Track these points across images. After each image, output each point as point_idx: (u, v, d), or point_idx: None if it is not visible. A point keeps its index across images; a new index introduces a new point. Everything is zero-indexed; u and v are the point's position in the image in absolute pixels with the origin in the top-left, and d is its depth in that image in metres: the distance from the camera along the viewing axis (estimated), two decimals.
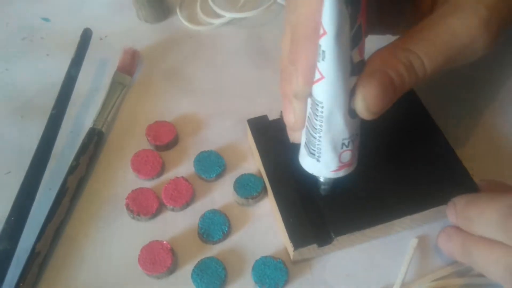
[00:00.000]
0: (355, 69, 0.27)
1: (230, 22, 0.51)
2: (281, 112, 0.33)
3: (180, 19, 0.51)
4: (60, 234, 0.37)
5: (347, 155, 0.31)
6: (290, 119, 0.32)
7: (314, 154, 0.31)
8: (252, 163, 0.40)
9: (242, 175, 0.39)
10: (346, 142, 0.30)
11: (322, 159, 0.31)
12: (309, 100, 0.29)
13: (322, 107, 0.28)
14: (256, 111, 0.41)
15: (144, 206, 0.38)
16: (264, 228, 0.37)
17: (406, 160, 0.37)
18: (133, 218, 0.38)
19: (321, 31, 0.25)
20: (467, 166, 0.37)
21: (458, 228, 0.33)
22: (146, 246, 0.35)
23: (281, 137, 0.39)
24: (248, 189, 0.38)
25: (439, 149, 0.38)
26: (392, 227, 0.35)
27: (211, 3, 0.51)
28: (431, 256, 0.35)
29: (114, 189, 0.39)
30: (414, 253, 0.35)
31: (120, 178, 0.40)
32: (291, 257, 0.35)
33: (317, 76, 0.27)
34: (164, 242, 0.36)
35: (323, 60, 0.26)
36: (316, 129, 0.29)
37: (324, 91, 0.27)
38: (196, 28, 0.51)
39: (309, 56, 0.27)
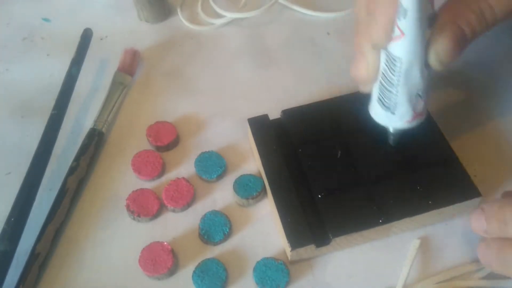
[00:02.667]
0: (430, 22, 0.28)
1: (231, 22, 0.51)
2: (351, 67, 0.33)
3: (181, 19, 0.51)
4: (60, 235, 0.37)
5: (420, 105, 0.32)
6: (362, 73, 0.32)
7: (389, 108, 0.32)
8: (253, 163, 0.40)
9: (241, 175, 0.39)
10: (420, 92, 0.31)
11: (398, 111, 0.32)
12: (382, 55, 0.30)
13: (401, 63, 0.29)
14: (258, 112, 0.41)
15: (145, 207, 0.38)
16: (266, 229, 0.37)
17: (406, 161, 0.37)
18: (134, 219, 0.38)
19: None
20: (468, 169, 0.36)
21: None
22: (147, 247, 0.35)
23: (281, 136, 0.39)
24: (248, 189, 0.38)
25: (439, 151, 0.38)
26: (390, 228, 0.35)
27: (212, 3, 0.51)
28: (434, 258, 0.35)
29: (114, 190, 0.39)
30: (416, 255, 0.35)
31: (121, 179, 0.40)
32: (289, 257, 0.35)
33: (396, 33, 0.28)
34: (165, 243, 0.36)
35: (404, 18, 0.26)
36: (393, 84, 0.30)
37: (404, 48, 0.28)
38: (197, 28, 0.50)
39: (389, 7, 0.28)
